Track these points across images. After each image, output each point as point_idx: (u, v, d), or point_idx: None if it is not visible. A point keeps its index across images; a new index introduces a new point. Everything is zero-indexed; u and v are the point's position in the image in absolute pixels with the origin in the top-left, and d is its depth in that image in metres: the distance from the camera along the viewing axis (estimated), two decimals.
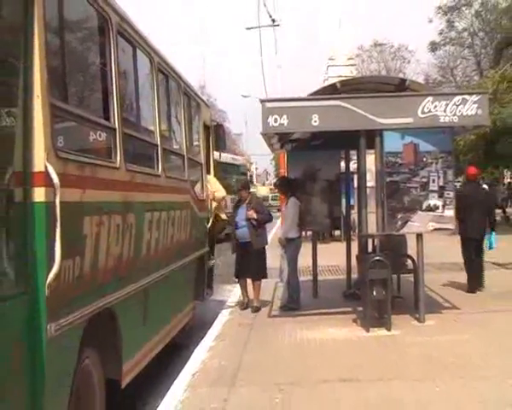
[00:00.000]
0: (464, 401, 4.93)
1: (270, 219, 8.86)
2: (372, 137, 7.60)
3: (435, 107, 7.16)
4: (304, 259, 9.42)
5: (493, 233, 9.46)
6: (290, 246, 8.71)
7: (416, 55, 44.19)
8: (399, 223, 7.59)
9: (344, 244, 10.34)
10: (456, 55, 34.95)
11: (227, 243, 10.43)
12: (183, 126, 7.38)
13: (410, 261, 8.79)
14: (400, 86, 8.29)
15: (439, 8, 32.15)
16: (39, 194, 3.28)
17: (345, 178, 10.34)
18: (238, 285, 9.38)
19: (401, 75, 36.51)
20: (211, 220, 8.84)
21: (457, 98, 7.21)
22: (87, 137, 4.38)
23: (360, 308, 7.84)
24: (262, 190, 51.75)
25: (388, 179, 7.57)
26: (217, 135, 9.81)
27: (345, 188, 10.32)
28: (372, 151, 7.86)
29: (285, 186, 9.07)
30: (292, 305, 8.66)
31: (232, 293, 10.56)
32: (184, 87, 7.54)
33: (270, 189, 48.89)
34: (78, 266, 3.72)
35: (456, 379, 5.46)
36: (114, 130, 4.57)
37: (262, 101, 7.33)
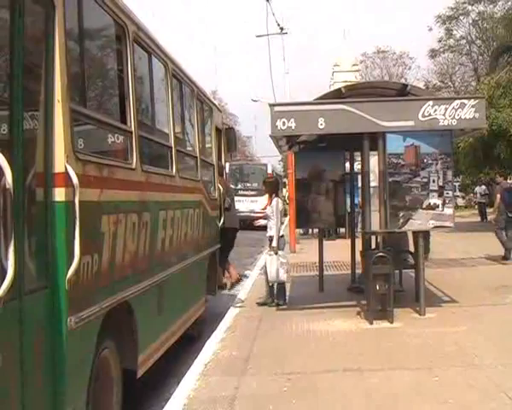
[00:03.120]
0: (461, 388, 4.91)
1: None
2: (375, 140, 7.58)
3: (435, 110, 7.13)
4: (310, 255, 9.39)
5: None
6: (281, 244, 8.61)
7: (417, 61, 44.21)
8: (401, 221, 7.55)
9: (348, 241, 10.31)
10: (454, 61, 34.83)
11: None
12: (195, 129, 7.38)
13: (411, 257, 8.75)
14: (402, 91, 8.26)
15: (439, 17, 32.02)
16: (60, 194, 3.27)
17: (349, 178, 10.31)
18: (248, 279, 9.36)
19: (403, 80, 36.36)
20: (222, 219, 8.83)
21: (456, 102, 7.17)
22: (105, 139, 4.38)
23: (364, 302, 7.82)
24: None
25: (391, 179, 7.53)
26: (228, 137, 9.80)
27: (349, 187, 10.30)
28: (375, 153, 7.82)
29: (273, 186, 8.94)
30: (268, 301, 8.57)
31: (243, 287, 10.54)
32: (197, 92, 7.53)
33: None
34: (97, 262, 3.72)
35: (453, 368, 5.43)
36: (131, 133, 4.56)
37: (271, 105, 7.34)
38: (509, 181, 14.27)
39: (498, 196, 12.62)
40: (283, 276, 8.36)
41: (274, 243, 8.41)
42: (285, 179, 40.90)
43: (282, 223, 8.63)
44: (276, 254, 8.35)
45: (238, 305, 8.85)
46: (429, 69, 36.59)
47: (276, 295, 8.59)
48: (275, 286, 8.56)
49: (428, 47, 33.88)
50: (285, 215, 13.48)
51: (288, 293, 8.91)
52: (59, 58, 3.30)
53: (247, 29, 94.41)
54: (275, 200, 8.61)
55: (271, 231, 8.52)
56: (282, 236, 8.70)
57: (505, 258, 12.27)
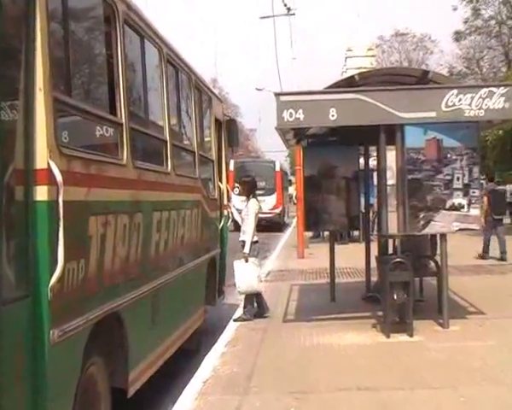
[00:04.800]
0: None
1: None
2: (393, 133, 7.54)
3: (460, 100, 7.09)
4: (321, 261, 9.38)
5: None
6: (254, 250, 8.58)
7: (440, 45, 43.87)
8: (422, 223, 7.52)
9: (363, 245, 10.29)
10: (482, 44, 34.58)
11: None
12: (193, 121, 7.37)
13: (432, 263, 8.72)
14: (423, 78, 8.22)
15: None
16: (42, 192, 3.26)
17: (364, 175, 10.28)
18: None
19: (423, 67, 36.28)
20: (223, 221, 8.82)
21: (484, 91, 7.13)
22: (92, 132, 4.36)
23: (380, 313, 7.80)
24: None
25: (410, 177, 7.50)
26: (229, 130, 9.78)
27: (364, 186, 10.26)
28: (393, 147, 7.79)
29: (250, 186, 8.91)
30: (247, 316, 8.53)
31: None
32: (195, 80, 7.52)
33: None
34: (83, 269, 3.71)
35: (480, 387, 5.39)
36: (121, 125, 4.56)
37: (277, 94, 7.31)
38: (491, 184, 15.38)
39: (485, 198, 13.83)
40: (258, 286, 8.41)
41: (245, 249, 8.40)
42: (292, 177, 41.05)
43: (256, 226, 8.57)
44: (247, 261, 8.34)
45: (240, 316, 8.82)
46: (453, 54, 36.44)
47: (258, 308, 8.62)
48: (254, 298, 8.57)
49: (453, 29, 33.76)
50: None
51: (290, 304, 8.88)
52: (40, 41, 3.29)
53: (250, 10, 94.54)
54: (250, 201, 8.60)
55: (244, 236, 8.51)
56: (257, 241, 8.66)
57: (483, 258, 14.05)
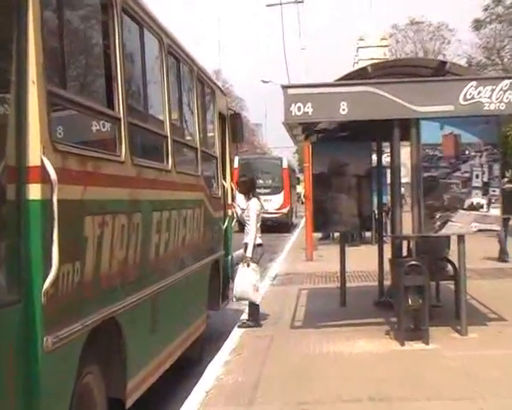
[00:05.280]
0: None
1: None
2: (407, 128, 7.53)
3: (479, 93, 7.06)
4: (331, 263, 9.38)
5: None
6: (257, 254, 8.52)
7: (458, 34, 43.74)
8: (438, 223, 7.49)
9: (375, 247, 10.27)
10: (503, 33, 34.39)
11: None
12: (195, 116, 7.37)
13: (450, 266, 8.70)
14: (439, 70, 8.20)
15: None
16: (35, 191, 3.26)
17: (376, 173, 10.27)
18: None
19: (440, 57, 36.21)
20: (227, 221, 8.81)
21: (505, 83, 7.10)
22: (88, 127, 4.37)
23: (394, 319, 7.78)
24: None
25: (425, 175, 7.48)
26: (233, 125, 9.78)
27: (376, 184, 10.25)
28: (407, 143, 7.78)
29: (247, 185, 8.89)
30: (251, 322, 8.52)
31: None
32: (198, 72, 7.52)
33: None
34: (79, 272, 3.71)
35: (501, 399, 5.36)
36: (119, 119, 4.56)
37: (284, 87, 7.30)
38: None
39: None
40: (253, 295, 8.37)
41: (248, 253, 8.40)
42: (300, 175, 41.03)
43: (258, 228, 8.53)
44: (249, 266, 8.34)
45: (246, 322, 8.82)
46: (472, 43, 36.28)
47: (248, 315, 8.62)
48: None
49: (472, 17, 33.62)
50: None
51: (298, 309, 8.86)
52: (33, 31, 3.28)
53: None
54: (251, 201, 8.60)
55: (247, 238, 8.51)
56: (260, 245, 8.64)
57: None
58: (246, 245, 8.49)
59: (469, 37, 44.30)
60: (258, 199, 8.80)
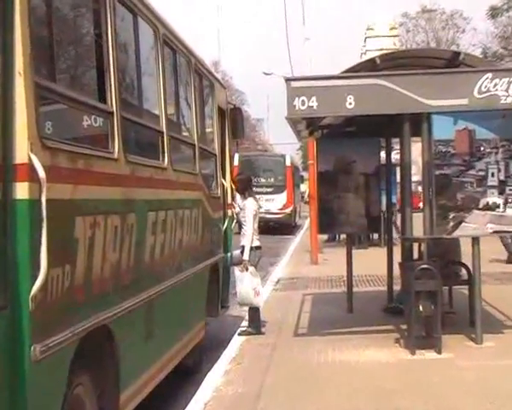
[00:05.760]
0: None
1: None
2: (418, 123, 7.54)
3: (495, 85, 7.05)
4: (337, 267, 9.38)
5: None
6: (255, 257, 8.56)
7: (473, 23, 43.71)
8: (451, 224, 7.50)
9: (384, 250, 10.28)
10: None
11: None
12: (193, 110, 7.37)
13: (463, 270, 8.70)
14: (453, 61, 8.20)
15: None
16: (22, 190, 3.26)
17: (385, 171, 10.27)
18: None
19: (454, 47, 36.19)
20: (227, 222, 8.81)
21: None
22: (79, 122, 4.36)
23: (404, 326, 7.77)
24: None
25: (438, 172, 7.48)
26: (233, 120, 9.78)
27: (385, 183, 10.25)
28: (418, 139, 7.78)
29: (244, 183, 8.89)
30: (252, 330, 8.54)
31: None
32: (195, 63, 7.52)
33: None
34: (69, 276, 3.70)
35: None
36: (112, 114, 4.55)
37: (287, 79, 7.31)
38: None
39: None
40: (254, 300, 8.39)
41: (244, 256, 8.41)
42: (304, 173, 41.05)
43: (256, 229, 8.55)
44: (247, 270, 8.37)
45: (246, 329, 8.82)
46: (488, 32, 36.27)
47: (248, 322, 8.63)
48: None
49: (488, 4, 33.56)
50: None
51: (303, 316, 8.87)
52: (20, 19, 3.27)
53: None
54: (247, 201, 8.61)
55: (244, 240, 8.53)
56: (259, 247, 8.64)
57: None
58: (243, 248, 8.51)
59: (485, 25, 44.18)
60: (255, 198, 8.81)
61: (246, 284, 8.35)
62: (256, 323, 8.55)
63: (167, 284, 5.80)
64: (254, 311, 8.58)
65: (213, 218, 8.04)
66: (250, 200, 8.65)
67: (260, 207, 9.01)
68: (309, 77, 9.08)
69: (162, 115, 5.94)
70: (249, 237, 8.44)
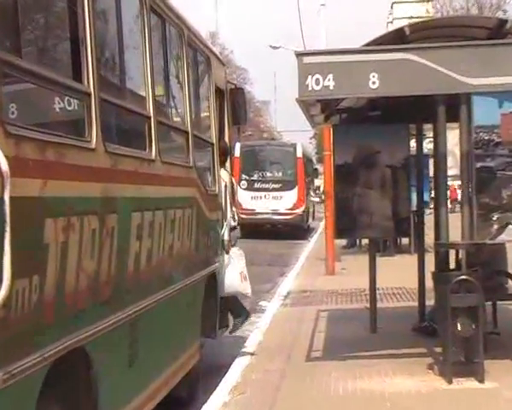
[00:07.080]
0: None
1: None
2: (456, 106, 7.53)
3: None
4: (357, 278, 9.39)
5: None
6: (232, 238, 8.88)
7: None
8: (495, 227, 7.50)
9: (414, 257, 10.27)
10: None
11: None
12: (186, 91, 7.38)
13: (510, 282, 8.70)
14: (498, 31, 8.20)
15: None
16: None
17: (416, 163, 10.27)
18: (265, 314, 9.39)
19: (499, 14, 36.10)
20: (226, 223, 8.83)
21: None
22: (50, 105, 4.37)
23: (438, 349, 7.79)
24: None
25: (479, 165, 7.49)
26: (234, 103, 9.79)
27: (416, 178, 10.25)
28: (455, 125, 7.77)
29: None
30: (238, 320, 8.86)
31: (255, 327, 10.55)
32: (188, 35, 7.52)
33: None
34: (38, 289, 3.71)
35: None
36: (89, 95, 4.56)
37: (298, 54, 7.32)
38: None
39: None
40: (241, 286, 8.59)
41: (225, 236, 8.62)
42: (318, 166, 41.06)
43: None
44: (227, 253, 8.54)
45: (249, 353, 8.84)
46: None
47: (230, 312, 8.82)
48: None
49: None
50: None
51: (317, 336, 8.87)
52: None
53: None
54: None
55: None
56: (235, 227, 8.99)
57: None
58: None
59: None
60: (227, 171, 8.88)
61: (229, 267, 8.45)
62: (239, 310, 8.67)
63: (155, 298, 5.81)
64: (233, 301, 8.70)
65: (210, 219, 8.04)
66: (223, 172, 8.75)
67: (233, 183, 9.14)
68: (324, 51, 9.09)
69: (149, 97, 5.94)
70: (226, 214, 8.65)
